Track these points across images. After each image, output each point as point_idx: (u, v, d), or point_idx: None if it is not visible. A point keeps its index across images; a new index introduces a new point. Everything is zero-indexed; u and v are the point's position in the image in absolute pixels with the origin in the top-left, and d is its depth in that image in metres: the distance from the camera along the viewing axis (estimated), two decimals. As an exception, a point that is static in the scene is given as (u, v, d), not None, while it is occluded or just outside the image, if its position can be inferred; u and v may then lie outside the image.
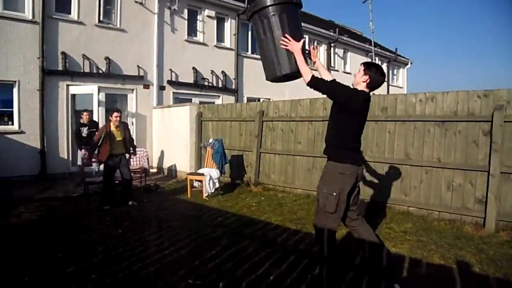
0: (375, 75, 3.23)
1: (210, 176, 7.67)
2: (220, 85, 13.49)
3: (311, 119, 7.52)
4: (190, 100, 12.26)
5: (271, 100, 11.79)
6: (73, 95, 10.13)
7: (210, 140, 8.36)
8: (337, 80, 3.24)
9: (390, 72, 22.55)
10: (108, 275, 3.71)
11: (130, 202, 6.89)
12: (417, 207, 5.99)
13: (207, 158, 8.32)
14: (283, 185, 7.90)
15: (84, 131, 8.69)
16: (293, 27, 3.35)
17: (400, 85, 23.54)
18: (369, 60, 20.00)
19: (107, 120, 7.02)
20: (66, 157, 9.92)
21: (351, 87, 3.28)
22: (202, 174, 7.71)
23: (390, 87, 22.06)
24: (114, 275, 3.71)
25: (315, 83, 3.18)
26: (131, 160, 9.55)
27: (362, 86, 3.25)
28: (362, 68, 3.27)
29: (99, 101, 10.28)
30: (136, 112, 11.27)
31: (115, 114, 6.72)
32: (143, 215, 6.14)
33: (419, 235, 5.01)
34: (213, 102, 13.12)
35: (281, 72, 3.35)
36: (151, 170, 10.16)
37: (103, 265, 3.97)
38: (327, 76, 3.35)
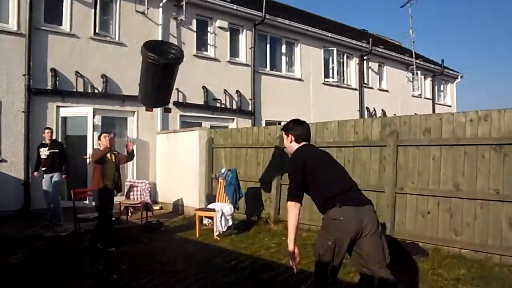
0: (293, 128, 3.66)
1: (222, 212, 7.66)
2: (234, 107, 13.65)
3: (340, 145, 7.50)
4: (199, 124, 12.41)
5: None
6: (64, 118, 10.40)
7: (223, 170, 8.39)
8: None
9: (436, 88, 22.43)
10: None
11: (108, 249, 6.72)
12: (471, 249, 5.81)
13: (219, 191, 8.34)
14: (308, 223, 7.79)
15: (44, 152, 8.67)
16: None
17: (448, 103, 23.34)
18: (410, 74, 19.99)
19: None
20: (54, 190, 10.02)
21: (293, 156, 3.58)
22: (213, 210, 7.71)
23: (436, 106, 21.88)
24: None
25: (292, 195, 3.34)
26: (131, 193, 9.65)
27: (295, 146, 3.64)
28: (283, 133, 3.74)
29: (94, 125, 10.46)
30: (137, 138, 11.46)
31: (104, 134, 6.96)
32: (143, 258, 6.13)
33: (475, 284, 4.84)
34: (226, 126, 13.23)
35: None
36: (154, 206, 10.22)
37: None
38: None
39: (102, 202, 6.82)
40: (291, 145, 3.65)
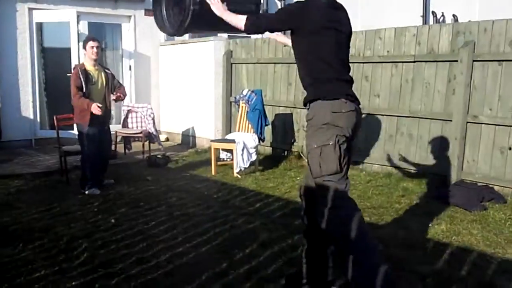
0: None
1: (244, 144, 7.71)
2: (260, 10, 13.30)
3: (396, 60, 7.34)
4: (215, 34, 12.19)
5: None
6: (40, 25, 10.32)
7: (245, 92, 8.35)
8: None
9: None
10: (95, 282, 3.84)
11: (105, 181, 7.05)
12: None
13: (239, 119, 8.36)
14: (352, 158, 7.83)
15: None
16: None
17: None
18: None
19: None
20: (31, 117, 10.20)
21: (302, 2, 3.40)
22: (233, 141, 7.76)
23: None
24: (104, 283, 3.84)
25: (252, 23, 3.47)
26: (129, 120, 9.71)
27: None
28: None
29: (78, 34, 10.31)
30: (135, 51, 11.40)
31: (91, 43, 6.60)
32: (147, 199, 6.30)
33: None
34: (249, 36, 12.99)
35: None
36: (160, 136, 10.34)
37: (88, 268, 4.12)
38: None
39: (86, 139, 6.61)
40: None
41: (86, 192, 6.57)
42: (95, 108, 6.28)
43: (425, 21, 17.21)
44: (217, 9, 3.65)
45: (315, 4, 3.32)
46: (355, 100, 3.32)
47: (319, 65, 3.32)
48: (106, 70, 6.97)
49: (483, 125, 6.41)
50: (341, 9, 3.44)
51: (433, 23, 17.06)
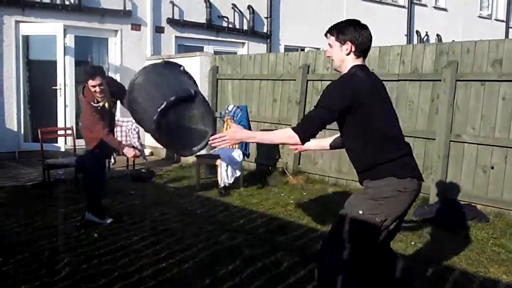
0: (356, 31, 3.11)
1: (229, 159, 7.70)
2: (245, 27, 13.44)
3: (381, 79, 7.29)
4: (201, 49, 12.30)
5: (321, 49, 11.57)
6: (26, 38, 10.28)
7: (230, 107, 8.36)
8: None
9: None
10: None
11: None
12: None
13: (224, 134, 8.34)
14: (335, 176, 7.87)
15: None
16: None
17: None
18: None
19: (79, 84, 6.32)
20: (15, 129, 10.09)
21: (344, 80, 3.13)
22: (217, 157, 7.75)
23: (510, 30, 21.33)
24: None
25: (303, 128, 3.06)
26: (114, 132, 9.65)
27: (350, 62, 3.15)
28: (333, 38, 3.18)
29: (65, 47, 10.34)
30: (121, 65, 11.39)
31: (92, 82, 5.57)
32: (130, 213, 6.26)
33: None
34: (235, 52, 13.09)
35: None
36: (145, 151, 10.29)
37: (69, 282, 4.07)
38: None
39: (95, 162, 6.00)
40: (345, 59, 3.15)
41: (108, 222, 5.83)
42: (130, 152, 5.70)
43: (409, 40, 17.49)
44: (239, 138, 3.33)
45: (358, 79, 3.09)
46: (418, 173, 3.17)
47: (377, 146, 3.12)
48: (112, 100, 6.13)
49: (465, 144, 6.48)
50: (377, 81, 3.28)
51: (417, 42, 17.34)
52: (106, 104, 5.88)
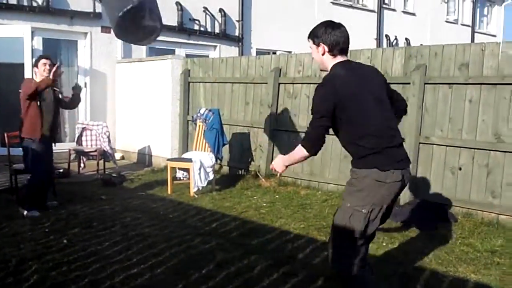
0: (326, 33, 3.27)
1: (201, 163, 7.69)
2: (217, 30, 13.45)
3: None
4: (172, 52, 12.24)
5: (292, 53, 11.66)
6: (-9, 40, 10.12)
7: (202, 111, 8.34)
8: None
9: (478, 12, 22.15)
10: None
11: (48, 202, 6.70)
12: None
13: (196, 137, 8.32)
14: (308, 178, 7.89)
15: None
16: None
17: (493, 31, 23.18)
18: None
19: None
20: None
21: (323, 83, 3.26)
22: (190, 161, 7.73)
23: (476, 35, 21.74)
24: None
25: (309, 138, 3.27)
26: (84, 138, 9.59)
27: (329, 61, 3.31)
28: (311, 42, 3.37)
29: (33, 50, 10.20)
30: (90, 68, 11.28)
31: (43, 61, 6.34)
32: (101, 219, 6.18)
33: (514, 256, 4.99)
34: (207, 56, 13.07)
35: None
36: (115, 155, 10.21)
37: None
38: None
39: (37, 154, 6.33)
40: (324, 60, 3.31)
41: (25, 214, 6.23)
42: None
43: (379, 44, 17.71)
44: (283, 164, 3.47)
45: (335, 77, 3.23)
46: (401, 163, 3.22)
47: (360, 138, 3.20)
48: (56, 89, 6.73)
49: (434, 146, 6.56)
50: (357, 68, 3.45)
51: (387, 46, 17.56)
52: (49, 96, 6.48)
